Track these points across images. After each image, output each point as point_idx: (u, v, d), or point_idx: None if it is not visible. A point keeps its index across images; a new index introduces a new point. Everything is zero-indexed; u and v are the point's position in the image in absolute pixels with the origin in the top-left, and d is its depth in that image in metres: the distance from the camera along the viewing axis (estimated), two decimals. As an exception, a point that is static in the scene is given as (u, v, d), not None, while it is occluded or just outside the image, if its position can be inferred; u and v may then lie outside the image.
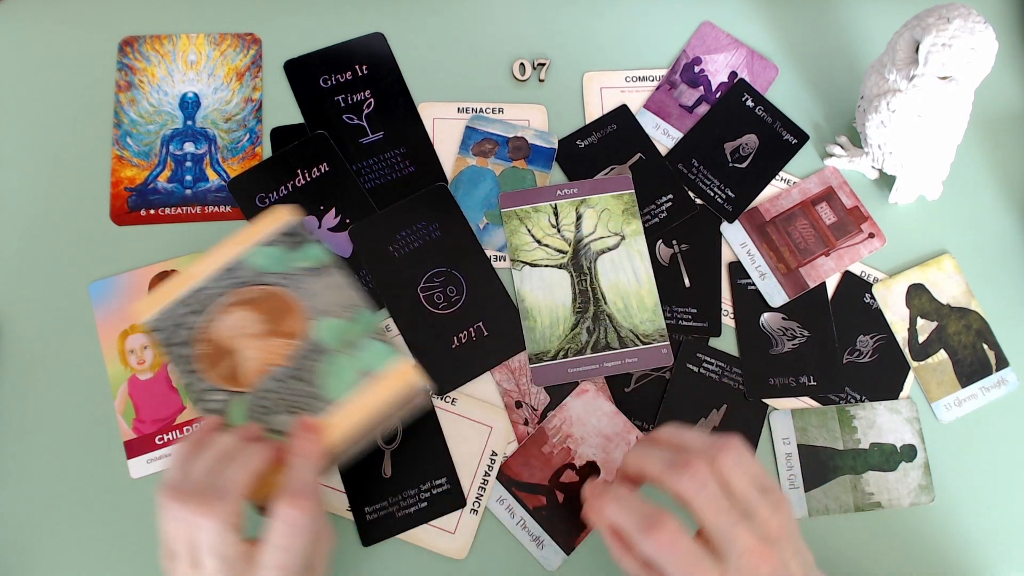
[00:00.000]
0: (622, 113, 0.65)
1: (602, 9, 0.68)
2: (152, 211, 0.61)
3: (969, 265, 0.62)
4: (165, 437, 0.56)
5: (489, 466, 0.56)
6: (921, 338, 0.60)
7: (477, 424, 0.57)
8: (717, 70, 0.67)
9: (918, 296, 0.61)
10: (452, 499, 0.55)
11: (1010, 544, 0.57)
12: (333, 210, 0.61)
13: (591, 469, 0.56)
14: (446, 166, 0.63)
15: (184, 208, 0.61)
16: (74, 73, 0.65)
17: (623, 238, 0.61)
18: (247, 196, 0.62)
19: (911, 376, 0.60)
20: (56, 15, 0.66)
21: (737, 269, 0.61)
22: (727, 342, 0.60)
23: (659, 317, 0.59)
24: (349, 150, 0.63)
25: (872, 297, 0.61)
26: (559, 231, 0.61)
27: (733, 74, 0.67)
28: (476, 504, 0.55)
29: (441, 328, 0.59)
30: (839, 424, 0.58)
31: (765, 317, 0.61)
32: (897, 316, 0.61)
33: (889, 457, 0.58)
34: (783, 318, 0.60)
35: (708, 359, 0.59)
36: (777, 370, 0.59)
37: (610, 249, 0.61)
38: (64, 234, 0.61)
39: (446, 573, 0.54)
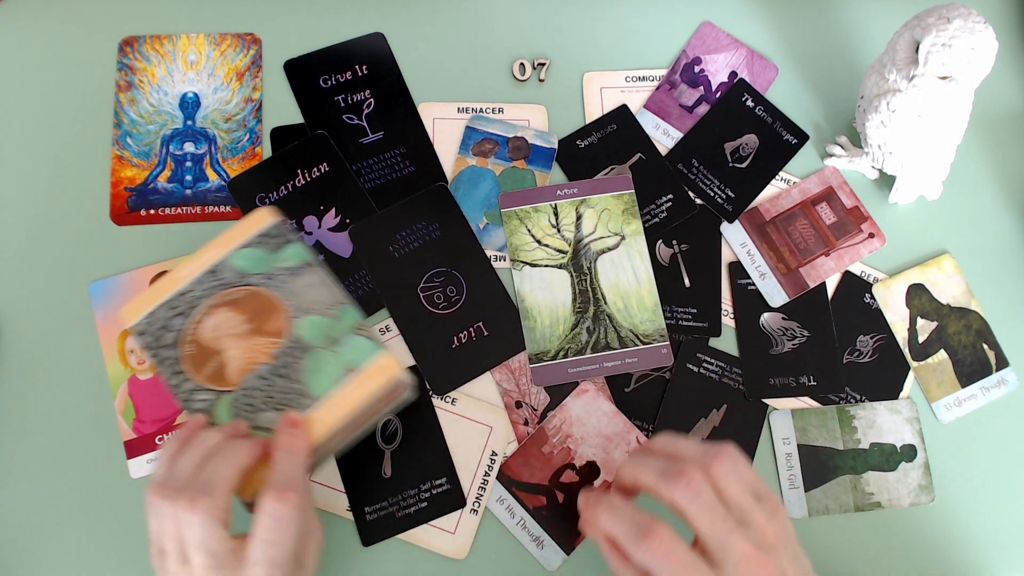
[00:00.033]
0: (622, 113, 0.65)
1: (602, 9, 0.68)
2: (152, 211, 0.61)
3: (969, 265, 0.62)
4: (165, 437, 0.56)
5: (489, 466, 0.56)
6: (921, 338, 0.60)
7: (477, 424, 0.57)
8: (717, 70, 0.67)
9: (918, 296, 0.61)
10: (452, 499, 0.55)
11: (1010, 544, 0.57)
12: (333, 210, 0.61)
13: (591, 469, 0.56)
14: (446, 166, 0.63)
15: (184, 208, 0.61)
16: (74, 73, 0.65)
17: (623, 238, 0.61)
18: (247, 196, 0.62)
19: (911, 376, 0.60)
20: (56, 15, 0.66)
21: (737, 269, 0.61)
22: (727, 342, 0.60)
23: (659, 317, 0.59)
24: (349, 150, 0.63)
25: (872, 297, 0.61)
26: (559, 231, 0.61)
27: (733, 74, 0.67)
28: (476, 504, 0.55)
29: (441, 328, 0.59)
30: (839, 424, 0.58)
31: (765, 317, 0.61)
32: (897, 316, 0.61)
33: (889, 457, 0.58)
34: (783, 318, 0.60)
35: (708, 359, 0.59)
36: (777, 370, 0.59)
37: (610, 249, 0.61)
38: (64, 234, 0.61)
39: (446, 573, 0.54)
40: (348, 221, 0.61)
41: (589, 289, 0.60)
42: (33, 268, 0.60)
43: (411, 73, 0.66)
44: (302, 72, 0.65)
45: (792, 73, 0.67)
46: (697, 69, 0.67)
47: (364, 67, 0.65)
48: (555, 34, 0.67)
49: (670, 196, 0.63)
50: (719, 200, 0.63)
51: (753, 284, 0.61)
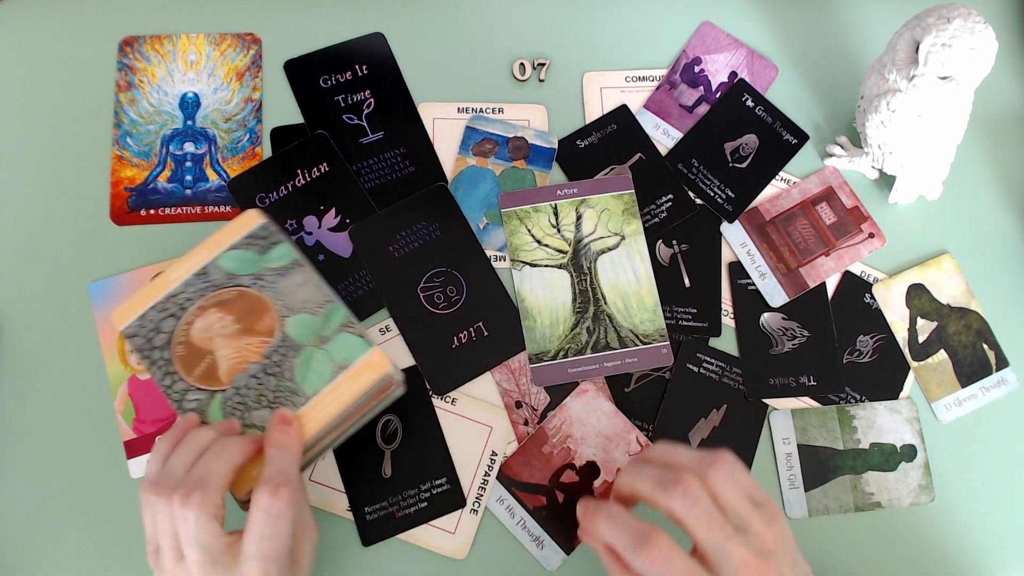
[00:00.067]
0: (622, 113, 0.65)
1: (602, 9, 0.68)
2: (152, 211, 0.61)
3: (969, 265, 0.62)
4: (165, 437, 0.56)
5: (489, 466, 0.56)
6: (921, 338, 0.60)
7: (477, 424, 0.57)
8: (717, 70, 0.67)
9: (918, 296, 0.61)
10: (452, 499, 0.55)
11: (1010, 544, 0.57)
12: (333, 210, 0.61)
13: (591, 469, 0.56)
14: (446, 166, 0.63)
15: (184, 208, 0.61)
16: (74, 73, 0.65)
17: (623, 238, 0.61)
18: (247, 196, 0.62)
19: (911, 376, 0.60)
20: (56, 15, 0.66)
21: (737, 269, 0.61)
22: (727, 342, 0.60)
23: (659, 317, 0.59)
24: (349, 150, 0.63)
25: (872, 297, 0.61)
26: (559, 231, 0.61)
27: (733, 74, 0.67)
28: (476, 504, 0.55)
29: (441, 328, 0.59)
30: (839, 424, 0.58)
31: (765, 317, 0.61)
32: (897, 316, 0.61)
33: (889, 457, 0.58)
34: (783, 318, 0.60)
35: (708, 359, 0.59)
36: (777, 370, 0.59)
37: (610, 249, 0.61)
38: (64, 234, 0.61)
39: (446, 573, 0.54)
40: (348, 221, 0.61)
41: (589, 289, 0.60)
42: (33, 268, 0.60)
43: (411, 73, 0.66)
44: (302, 72, 0.65)
45: (792, 73, 0.67)
46: (697, 69, 0.67)
47: (364, 67, 0.65)
48: (555, 34, 0.67)
49: (670, 196, 0.63)
50: (719, 200, 0.63)
51: (753, 284, 0.61)
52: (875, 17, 0.69)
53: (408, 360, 0.58)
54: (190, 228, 0.61)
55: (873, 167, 0.63)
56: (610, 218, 0.61)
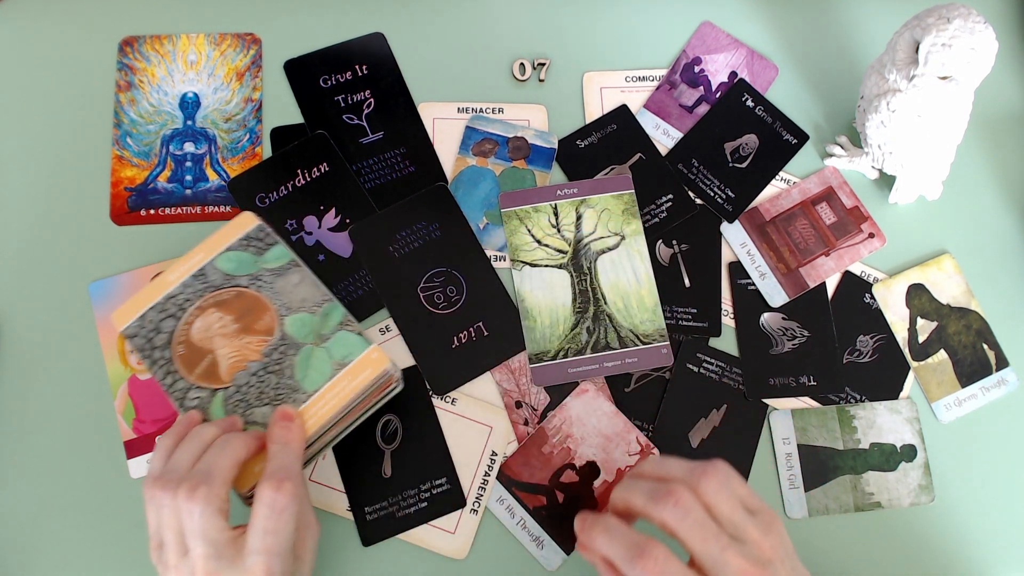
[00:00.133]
0: (622, 113, 0.65)
1: (602, 9, 0.68)
2: (152, 211, 0.61)
3: (969, 265, 0.62)
4: (165, 437, 0.56)
5: (489, 466, 0.56)
6: (921, 338, 0.60)
7: (477, 424, 0.57)
8: (717, 70, 0.67)
9: (918, 296, 0.61)
10: (452, 499, 0.55)
11: (1010, 544, 0.57)
12: (333, 210, 0.61)
13: (591, 469, 0.56)
14: (446, 166, 0.63)
15: (184, 208, 0.61)
16: (74, 73, 0.65)
17: (623, 238, 0.61)
18: (247, 196, 0.62)
19: (911, 376, 0.60)
20: (56, 15, 0.66)
21: (737, 269, 0.61)
22: (727, 342, 0.60)
23: (659, 317, 0.59)
24: (349, 150, 0.63)
25: (872, 297, 0.61)
26: (559, 231, 0.61)
27: (733, 74, 0.67)
28: (476, 504, 0.55)
29: (441, 328, 0.59)
30: (839, 424, 0.58)
31: (765, 317, 0.61)
32: (897, 316, 0.61)
33: (889, 457, 0.58)
34: (783, 318, 0.60)
35: (708, 359, 0.59)
36: (777, 370, 0.59)
37: (610, 249, 0.61)
38: (64, 234, 0.61)
39: (446, 573, 0.54)
40: (348, 221, 0.61)
41: (589, 289, 0.60)
42: (33, 268, 0.60)
43: (411, 73, 0.66)
44: (302, 72, 0.65)
45: (792, 73, 0.67)
46: (697, 69, 0.67)
47: (364, 67, 0.65)
48: (555, 34, 0.67)
49: (670, 196, 0.63)
50: (719, 200, 0.63)
51: (753, 284, 0.61)
52: (875, 17, 0.69)
53: (408, 360, 0.58)
54: (190, 228, 0.61)
55: (873, 167, 0.63)
56: (610, 218, 0.61)
